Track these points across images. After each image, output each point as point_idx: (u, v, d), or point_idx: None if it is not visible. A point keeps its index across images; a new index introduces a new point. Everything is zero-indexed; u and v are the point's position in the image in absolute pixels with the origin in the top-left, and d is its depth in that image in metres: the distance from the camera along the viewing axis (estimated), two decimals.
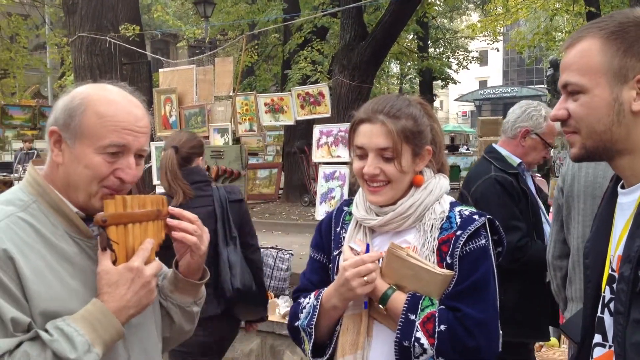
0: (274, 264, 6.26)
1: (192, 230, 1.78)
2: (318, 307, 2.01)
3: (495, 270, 1.98)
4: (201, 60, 7.61)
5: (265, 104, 8.25)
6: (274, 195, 16.09)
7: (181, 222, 1.79)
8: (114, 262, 1.62)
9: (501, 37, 24.68)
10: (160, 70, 7.80)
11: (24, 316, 1.51)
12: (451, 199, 2.08)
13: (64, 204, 1.67)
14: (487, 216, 2.00)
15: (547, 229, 3.57)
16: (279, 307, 5.06)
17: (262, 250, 6.34)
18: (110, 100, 1.68)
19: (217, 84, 7.15)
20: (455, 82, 26.13)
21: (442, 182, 2.06)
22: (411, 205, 1.99)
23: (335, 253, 2.12)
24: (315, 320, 2.01)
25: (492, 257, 1.98)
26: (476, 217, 1.97)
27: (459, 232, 1.94)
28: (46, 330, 1.51)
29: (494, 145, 3.73)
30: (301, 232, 11.48)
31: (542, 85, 38.05)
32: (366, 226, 2.06)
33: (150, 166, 7.41)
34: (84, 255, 1.67)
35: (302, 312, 2.07)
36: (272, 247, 6.52)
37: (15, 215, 1.61)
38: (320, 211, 6.88)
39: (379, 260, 1.97)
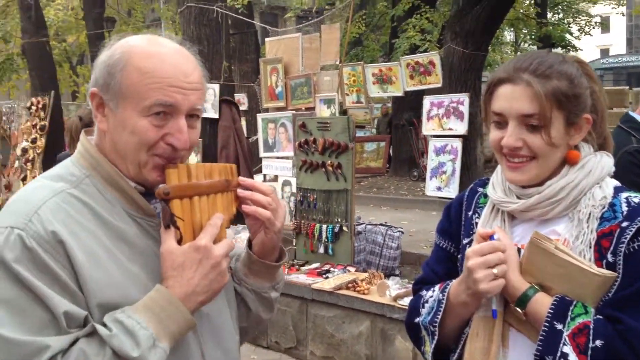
0: (383, 241, 5.98)
1: (266, 203, 1.54)
2: (444, 302, 1.69)
3: None
4: (307, 30, 7.37)
5: (373, 75, 8.02)
6: (381, 169, 15.81)
7: (254, 193, 1.55)
8: (179, 241, 1.39)
9: (625, 2, 22.93)
10: (266, 39, 7.64)
11: (78, 309, 1.31)
12: (615, 182, 1.66)
13: (121, 178, 1.45)
14: None
15: None
16: (390, 289, 4.76)
17: (370, 227, 6.12)
18: (153, 52, 1.42)
19: (324, 52, 6.91)
20: (576, 50, 24.56)
21: (604, 161, 1.65)
22: (563, 187, 1.61)
23: (465, 241, 1.78)
24: (439, 317, 1.69)
25: None
26: None
27: (625, 224, 1.53)
28: (105, 325, 1.31)
29: (631, 113, 3.24)
30: (410, 207, 11.17)
31: None
32: (505, 211, 1.70)
33: (257, 139, 7.30)
34: (145, 236, 1.45)
35: (423, 307, 1.76)
36: (381, 224, 6.24)
37: (66, 192, 1.40)
38: (431, 186, 6.59)
39: (518, 253, 1.62)
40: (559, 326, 1.51)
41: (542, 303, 1.55)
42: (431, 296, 1.76)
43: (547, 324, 1.52)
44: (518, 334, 1.63)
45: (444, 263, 1.85)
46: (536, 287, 1.58)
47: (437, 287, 1.76)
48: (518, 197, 1.67)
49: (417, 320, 1.77)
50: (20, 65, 18.44)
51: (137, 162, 1.42)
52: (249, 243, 1.65)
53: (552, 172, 1.63)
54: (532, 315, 1.56)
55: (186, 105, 1.42)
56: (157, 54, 1.42)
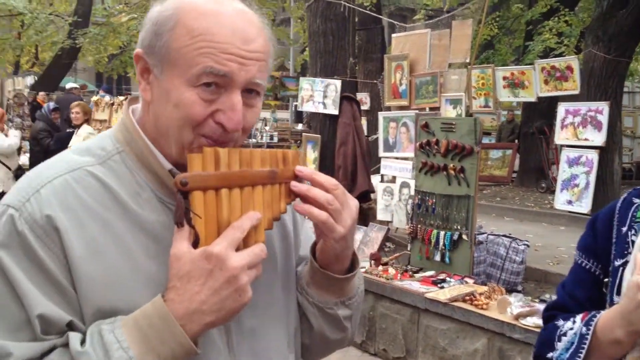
0: (505, 254, 5.57)
1: (325, 202, 1.20)
2: (589, 337, 1.39)
3: None
4: (437, 26, 7.05)
5: (504, 78, 7.67)
6: (506, 178, 15.13)
7: (310, 188, 1.22)
8: (196, 244, 1.09)
9: None
10: (393, 35, 7.40)
11: (60, 312, 1.08)
12: None
13: (153, 157, 1.21)
14: None
15: None
16: (511, 306, 4.37)
17: (492, 237, 5.74)
18: (209, 11, 1.17)
19: (453, 50, 6.58)
20: None
21: None
22: None
23: (617, 263, 1.46)
24: (582, 355, 1.40)
25: None
26: None
27: None
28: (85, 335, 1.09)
29: None
30: (536, 220, 10.57)
31: None
32: None
33: (377, 137, 7.09)
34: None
35: (560, 341, 1.47)
36: (505, 235, 5.83)
37: (85, 169, 1.18)
38: (560, 199, 6.18)
39: None
40: None
41: None
42: (571, 328, 1.47)
43: None
44: None
45: (586, 287, 1.55)
46: None
47: (578, 318, 1.47)
48: None
49: (550, 355, 1.49)
50: None
51: (180, 141, 1.17)
52: (313, 246, 1.35)
53: None
54: None
55: (243, 78, 1.16)
56: (213, 13, 1.16)
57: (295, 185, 1.22)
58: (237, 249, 1.10)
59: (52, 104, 11.13)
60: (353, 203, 1.26)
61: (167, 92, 1.16)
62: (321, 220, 1.21)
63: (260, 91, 1.22)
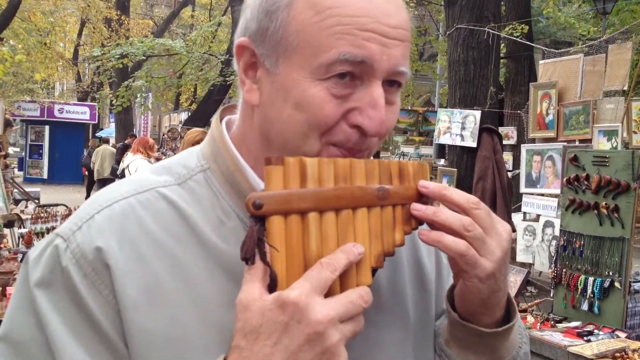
0: None
1: (460, 228, 0.89)
2: None
3: None
4: (591, 52, 6.43)
5: None
6: None
7: (440, 210, 0.90)
8: (272, 289, 0.80)
9: None
10: (540, 62, 6.91)
11: None
12: None
13: (241, 174, 0.96)
14: None
15: None
16: None
17: None
18: None
19: (609, 76, 6.00)
20: None
21: None
22: None
23: None
24: None
25: None
26: None
27: None
28: None
29: None
30: None
31: None
32: None
33: (519, 172, 6.61)
34: None
35: None
36: None
37: (157, 190, 0.95)
38: None
39: None
40: None
41: None
42: None
43: None
44: None
45: None
46: None
47: None
48: None
49: None
50: None
51: (302, 153, 0.89)
52: (450, 290, 1.03)
53: None
54: None
55: (385, 64, 0.89)
56: None
57: (416, 207, 0.92)
58: (329, 295, 0.80)
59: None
60: (503, 228, 0.94)
61: (284, 89, 0.91)
62: (458, 252, 0.90)
63: (403, 83, 0.94)
